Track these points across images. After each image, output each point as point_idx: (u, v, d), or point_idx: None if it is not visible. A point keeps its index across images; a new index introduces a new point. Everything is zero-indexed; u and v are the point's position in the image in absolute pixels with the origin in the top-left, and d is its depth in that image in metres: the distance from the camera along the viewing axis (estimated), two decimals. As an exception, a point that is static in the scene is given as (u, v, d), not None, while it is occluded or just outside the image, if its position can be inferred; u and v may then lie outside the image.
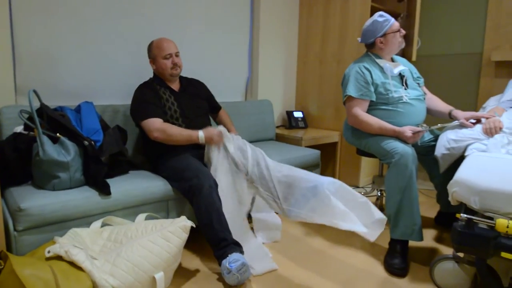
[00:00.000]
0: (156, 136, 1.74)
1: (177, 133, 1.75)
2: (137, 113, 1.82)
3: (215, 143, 1.78)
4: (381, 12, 1.90)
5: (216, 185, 1.66)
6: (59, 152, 1.49)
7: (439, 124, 1.76)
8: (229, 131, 1.98)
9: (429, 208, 2.47)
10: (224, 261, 1.47)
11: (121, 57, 2.21)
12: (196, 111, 1.96)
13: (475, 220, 1.25)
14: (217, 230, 1.54)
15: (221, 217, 1.57)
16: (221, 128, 1.84)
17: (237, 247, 1.54)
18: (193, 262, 1.70)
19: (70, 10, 1.98)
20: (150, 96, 1.84)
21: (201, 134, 1.76)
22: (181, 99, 1.92)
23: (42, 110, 1.57)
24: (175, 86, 1.97)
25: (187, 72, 2.34)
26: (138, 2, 2.24)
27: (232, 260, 1.44)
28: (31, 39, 1.88)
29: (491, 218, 1.26)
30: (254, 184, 1.75)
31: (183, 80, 2.04)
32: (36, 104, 1.60)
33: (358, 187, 2.86)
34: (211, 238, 1.55)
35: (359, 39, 1.99)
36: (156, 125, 1.75)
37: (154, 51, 1.89)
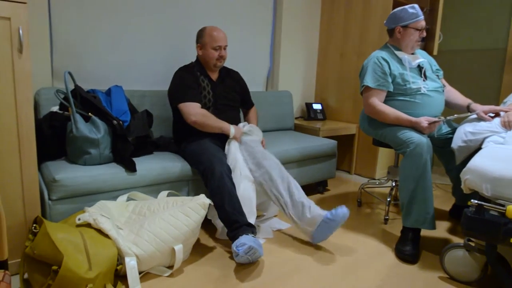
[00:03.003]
0: (194, 121, 1.81)
1: (213, 122, 1.83)
2: (176, 95, 1.88)
3: (236, 139, 1.88)
4: (414, 5, 1.89)
5: (230, 170, 1.72)
6: (90, 130, 1.61)
7: (455, 115, 1.77)
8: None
9: (444, 202, 2.47)
10: (233, 245, 1.52)
11: (150, 46, 2.33)
12: (228, 103, 2.01)
13: (485, 206, 1.27)
14: (229, 212, 1.60)
15: (233, 199, 1.62)
16: (245, 128, 1.94)
17: (249, 228, 1.59)
18: (210, 239, 1.79)
19: (103, 1, 2.10)
20: (191, 81, 1.90)
21: (232, 130, 1.85)
22: (216, 89, 1.97)
23: (76, 91, 1.69)
24: (214, 75, 2.01)
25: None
26: (166, -6, 2.34)
27: (239, 244, 1.48)
28: (67, 28, 2.01)
29: (502, 205, 1.28)
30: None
31: (223, 71, 2.08)
32: (71, 86, 1.73)
33: (374, 179, 2.88)
34: (224, 219, 1.62)
35: (385, 21, 2.00)
36: (196, 110, 1.82)
37: (205, 38, 1.92)
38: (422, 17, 1.88)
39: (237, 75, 2.16)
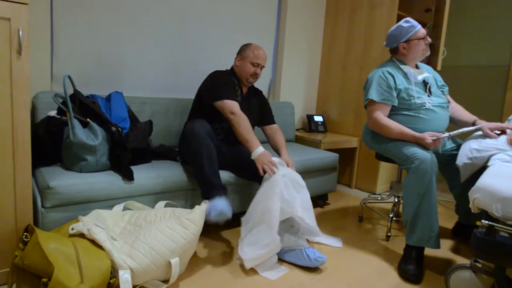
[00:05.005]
0: (232, 118, 1.79)
1: (245, 130, 1.76)
2: (215, 93, 1.85)
3: (265, 169, 1.69)
4: (407, 18, 1.91)
5: (211, 132, 1.76)
6: (88, 136, 1.56)
7: (460, 130, 1.73)
8: (279, 152, 1.98)
9: (447, 219, 2.42)
10: (208, 205, 1.59)
11: (152, 53, 2.30)
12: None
13: (496, 227, 1.23)
14: (207, 173, 1.66)
15: (211, 161, 1.67)
16: (277, 160, 1.75)
17: (221, 189, 1.67)
18: (207, 252, 1.74)
19: (107, 5, 2.08)
20: (231, 84, 1.91)
21: (256, 151, 1.72)
22: (243, 104, 1.96)
23: (75, 95, 1.65)
24: (244, 89, 2.03)
25: (215, 68, 2.40)
26: (171, 4, 2.32)
27: (213, 206, 1.57)
28: (69, 31, 1.98)
29: (513, 227, 1.23)
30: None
31: (251, 88, 2.09)
32: (70, 91, 1.68)
33: (375, 193, 2.83)
34: (201, 180, 1.68)
35: (384, 42, 2.00)
36: (236, 108, 1.80)
37: (248, 53, 1.94)
38: (419, 26, 1.87)
39: (261, 94, 2.15)
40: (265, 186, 1.65)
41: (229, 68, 2.05)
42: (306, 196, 1.69)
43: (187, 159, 1.79)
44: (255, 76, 1.96)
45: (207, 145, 1.66)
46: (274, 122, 2.13)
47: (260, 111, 2.10)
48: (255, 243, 1.58)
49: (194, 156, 1.66)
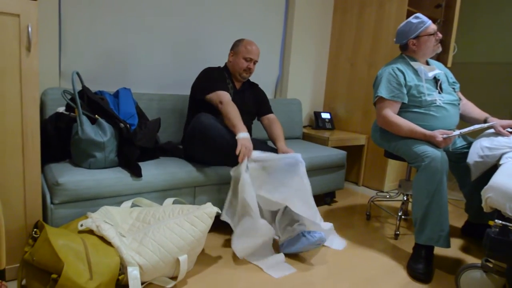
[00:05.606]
0: (221, 107, 1.81)
1: (233, 115, 1.75)
2: (206, 86, 1.89)
3: (240, 153, 1.65)
4: (417, 14, 1.88)
5: (214, 118, 1.77)
6: (96, 133, 1.56)
7: (471, 127, 1.71)
8: (275, 143, 1.98)
9: (455, 218, 2.40)
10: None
11: (159, 50, 2.29)
12: (243, 114, 1.94)
13: (510, 227, 1.21)
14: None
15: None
16: (256, 153, 1.72)
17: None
18: (215, 249, 1.73)
19: (115, 2, 2.07)
20: (221, 78, 1.96)
21: (239, 135, 1.69)
22: (236, 98, 1.99)
23: (83, 92, 1.65)
24: (238, 84, 2.06)
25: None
26: (180, 1, 2.32)
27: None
28: (77, 27, 1.98)
29: (526, 227, 1.21)
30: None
31: (246, 83, 2.10)
32: (78, 88, 1.68)
33: (382, 191, 2.81)
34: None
35: (394, 39, 1.97)
36: (225, 98, 1.82)
37: (240, 48, 1.98)
38: (429, 22, 1.84)
39: (258, 88, 2.17)
40: (239, 182, 1.64)
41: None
42: (299, 185, 1.68)
43: (210, 155, 1.77)
44: (248, 71, 1.99)
45: (220, 128, 1.72)
46: (271, 112, 2.14)
47: (256, 103, 2.11)
48: (243, 235, 1.61)
49: (218, 141, 1.69)
